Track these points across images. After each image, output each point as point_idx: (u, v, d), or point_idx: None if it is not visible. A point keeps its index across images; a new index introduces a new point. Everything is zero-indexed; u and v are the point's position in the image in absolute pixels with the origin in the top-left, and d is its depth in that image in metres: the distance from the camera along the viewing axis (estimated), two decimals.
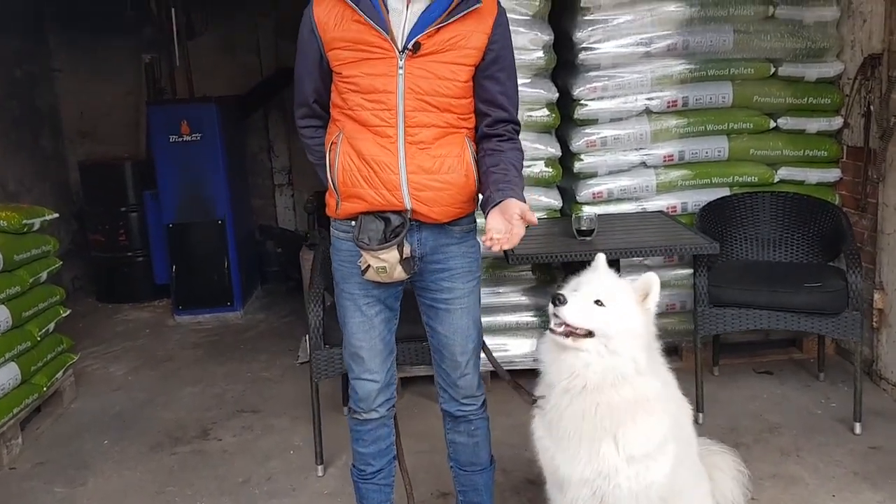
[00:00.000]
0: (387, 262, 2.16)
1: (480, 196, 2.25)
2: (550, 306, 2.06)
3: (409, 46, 2.09)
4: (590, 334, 2.06)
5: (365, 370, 2.36)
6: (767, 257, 3.77)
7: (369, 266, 2.18)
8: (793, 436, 3.29)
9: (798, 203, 3.73)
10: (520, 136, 2.31)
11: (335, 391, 3.76)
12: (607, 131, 3.79)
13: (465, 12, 2.11)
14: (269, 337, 4.99)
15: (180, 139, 5.19)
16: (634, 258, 3.66)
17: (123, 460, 3.42)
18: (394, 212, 2.17)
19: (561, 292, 2.06)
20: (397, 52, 2.10)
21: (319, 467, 3.20)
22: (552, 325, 2.07)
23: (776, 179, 3.87)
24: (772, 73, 3.82)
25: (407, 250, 2.18)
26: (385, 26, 2.09)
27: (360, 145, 2.15)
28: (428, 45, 2.11)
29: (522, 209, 2.00)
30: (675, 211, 3.86)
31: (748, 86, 3.81)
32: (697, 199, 3.86)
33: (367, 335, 2.33)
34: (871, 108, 3.59)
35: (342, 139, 2.19)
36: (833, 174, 3.90)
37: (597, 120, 3.78)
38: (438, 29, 2.10)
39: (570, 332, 2.05)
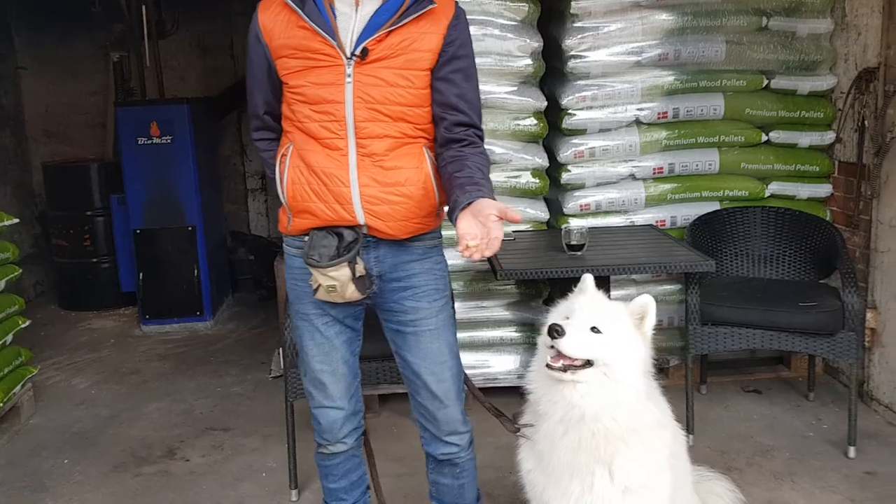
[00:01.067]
0: (337, 281, 1.99)
1: (445, 209, 2.07)
2: (546, 338, 1.94)
3: (357, 52, 1.94)
4: (588, 363, 1.95)
5: (327, 397, 2.20)
6: (759, 274, 3.67)
7: (320, 285, 2.02)
8: (785, 459, 3.18)
9: (791, 219, 3.65)
10: (493, 145, 2.17)
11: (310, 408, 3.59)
12: (596, 142, 3.68)
13: (418, 14, 1.95)
14: (240, 349, 4.80)
15: (150, 141, 4.99)
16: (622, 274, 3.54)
17: (84, 481, 3.21)
18: (347, 227, 2.02)
19: (558, 323, 1.93)
20: (345, 60, 1.95)
21: (293, 492, 3.02)
22: (549, 361, 1.94)
23: (767, 194, 3.79)
24: (764, 85, 3.73)
25: (360, 268, 2.02)
26: (331, 32, 1.94)
27: (310, 157, 2.00)
28: (377, 50, 1.95)
29: (499, 208, 1.78)
30: (664, 225, 3.75)
31: (740, 98, 3.72)
32: (687, 212, 3.75)
33: (328, 358, 2.17)
34: (866, 123, 3.51)
35: (292, 152, 2.04)
36: (824, 189, 3.82)
37: (585, 130, 3.66)
38: (389, 32, 1.95)
39: (569, 366, 1.94)
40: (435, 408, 2.18)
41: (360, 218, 2.00)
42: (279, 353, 4.25)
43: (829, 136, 3.78)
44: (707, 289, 3.32)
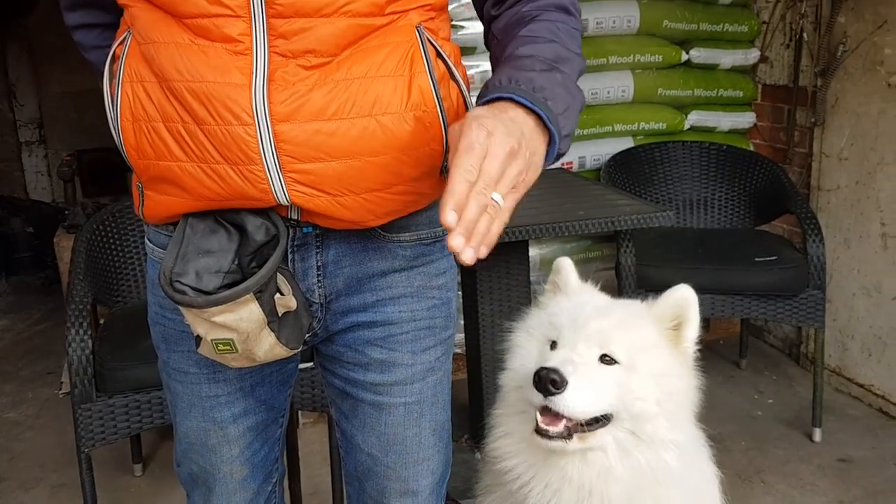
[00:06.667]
0: (235, 331, 0.99)
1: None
2: (535, 396, 1.15)
3: None
4: (603, 419, 1.19)
5: None
6: (688, 223, 3.05)
7: (201, 337, 1.01)
8: (744, 451, 2.60)
9: (719, 155, 3.03)
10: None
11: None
12: (489, 64, 2.84)
13: None
14: (18, 355, 3.60)
15: None
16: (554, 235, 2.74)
17: None
18: (255, 211, 1.01)
19: (554, 367, 1.13)
20: None
21: None
22: (540, 424, 1.16)
23: (687, 126, 3.15)
24: None
25: (289, 299, 1.02)
26: None
27: (168, 60, 0.95)
28: None
29: (509, 136, 0.82)
30: (572, 167, 3.02)
31: (657, 8, 3.01)
32: (597, 151, 3.05)
33: (215, 455, 1.18)
34: (804, 35, 2.93)
35: (130, 49, 0.99)
36: (747, 119, 3.23)
37: (475, 49, 2.82)
38: None
39: (574, 428, 1.17)
40: None
41: (280, 192, 0.97)
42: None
43: (754, 55, 3.18)
44: (637, 246, 2.64)
